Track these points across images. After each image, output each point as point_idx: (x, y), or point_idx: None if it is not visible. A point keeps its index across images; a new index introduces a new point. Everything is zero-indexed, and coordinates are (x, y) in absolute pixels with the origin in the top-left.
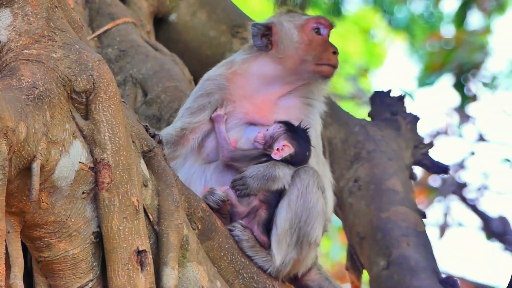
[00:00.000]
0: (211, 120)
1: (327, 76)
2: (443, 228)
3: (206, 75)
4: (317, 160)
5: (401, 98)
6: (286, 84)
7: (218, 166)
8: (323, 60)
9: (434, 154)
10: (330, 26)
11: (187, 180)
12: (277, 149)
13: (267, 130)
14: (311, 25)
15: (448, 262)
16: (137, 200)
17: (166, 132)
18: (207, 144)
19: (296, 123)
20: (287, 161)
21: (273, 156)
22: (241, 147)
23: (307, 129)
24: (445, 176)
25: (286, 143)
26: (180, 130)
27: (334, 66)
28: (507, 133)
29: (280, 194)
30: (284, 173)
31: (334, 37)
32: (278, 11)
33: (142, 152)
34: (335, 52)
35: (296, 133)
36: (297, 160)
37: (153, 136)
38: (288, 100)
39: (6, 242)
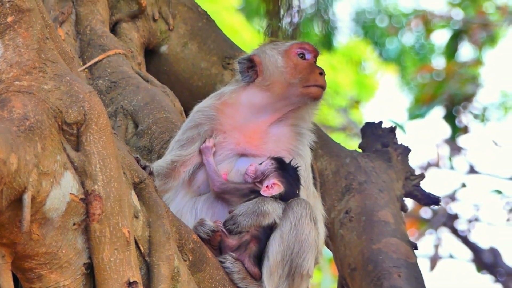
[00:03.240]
0: (200, 152)
1: (316, 98)
2: (434, 259)
3: (196, 107)
4: (308, 193)
5: (392, 130)
6: (275, 111)
7: (209, 198)
8: (310, 82)
9: (425, 185)
10: (315, 51)
11: (178, 212)
12: (267, 186)
13: (260, 164)
14: (295, 50)
15: None
16: (128, 232)
17: (158, 165)
18: (198, 177)
19: (287, 160)
20: (275, 196)
21: (262, 192)
22: (232, 179)
23: (297, 167)
24: (436, 207)
25: (276, 181)
26: (171, 163)
27: (322, 87)
28: (498, 165)
29: (270, 228)
30: (273, 208)
31: (325, 68)
32: (261, 43)
33: (133, 183)
34: (322, 73)
35: (287, 171)
36: (286, 198)
37: (144, 168)
38: (278, 129)
39: None
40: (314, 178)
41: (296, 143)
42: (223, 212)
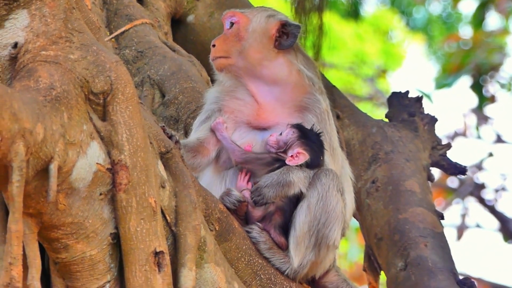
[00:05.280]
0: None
1: (218, 70)
2: (461, 229)
3: (208, 90)
4: (332, 153)
5: (418, 99)
6: (249, 84)
7: (237, 170)
8: None
9: (452, 155)
10: (223, 18)
11: (208, 186)
12: (292, 156)
13: (280, 134)
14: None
15: (465, 263)
16: (155, 201)
17: (185, 140)
18: (224, 152)
19: (308, 127)
20: (301, 164)
21: (287, 162)
22: (257, 150)
23: (320, 133)
24: (463, 177)
25: (300, 150)
26: (196, 140)
27: (212, 60)
28: None
29: (297, 198)
30: (298, 178)
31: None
32: None
33: (160, 153)
34: (213, 45)
35: (309, 138)
36: (312, 165)
37: (170, 137)
38: (272, 93)
39: (23, 244)
40: (341, 147)
41: (298, 95)
42: (251, 184)
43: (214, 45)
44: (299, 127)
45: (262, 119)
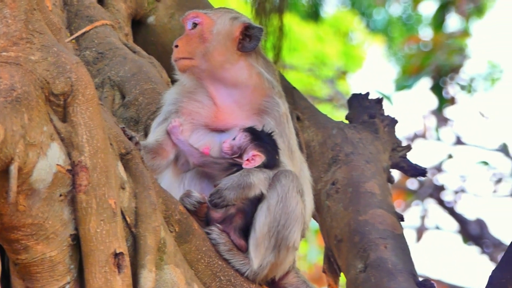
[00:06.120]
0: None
1: (181, 71)
2: (420, 231)
3: (167, 91)
4: (291, 155)
5: (379, 101)
6: (208, 87)
7: (196, 173)
8: None
9: (412, 157)
10: (187, 18)
11: (167, 188)
12: (248, 160)
13: (234, 139)
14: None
15: (425, 265)
16: (115, 203)
17: (145, 141)
18: (182, 155)
19: (259, 128)
20: (259, 166)
21: (244, 166)
22: (216, 154)
23: (271, 133)
24: (422, 179)
25: (255, 152)
26: (155, 141)
27: (175, 60)
28: (485, 136)
29: (257, 200)
30: (259, 179)
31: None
32: None
33: (120, 154)
34: (176, 46)
35: (262, 139)
36: (269, 165)
37: (130, 138)
38: (230, 96)
39: None
40: (301, 149)
41: (257, 98)
42: (210, 186)
43: (177, 46)
44: (250, 130)
45: (220, 121)
